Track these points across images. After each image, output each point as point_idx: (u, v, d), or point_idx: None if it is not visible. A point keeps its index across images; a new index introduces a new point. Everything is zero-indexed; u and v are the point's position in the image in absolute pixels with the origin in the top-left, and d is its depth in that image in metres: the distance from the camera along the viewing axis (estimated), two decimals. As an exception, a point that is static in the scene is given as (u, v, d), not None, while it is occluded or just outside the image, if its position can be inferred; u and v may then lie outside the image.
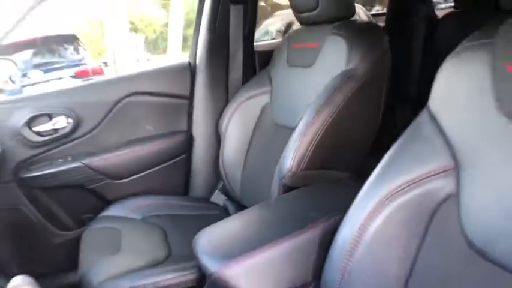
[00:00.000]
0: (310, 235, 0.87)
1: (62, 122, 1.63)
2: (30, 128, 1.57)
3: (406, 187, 0.73)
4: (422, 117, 0.77)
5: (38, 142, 1.59)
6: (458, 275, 0.67)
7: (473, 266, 0.64)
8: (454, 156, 0.69)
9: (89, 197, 1.68)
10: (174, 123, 1.78)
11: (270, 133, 1.48)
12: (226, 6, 1.73)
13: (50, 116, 1.61)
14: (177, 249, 1.26)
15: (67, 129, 1.63)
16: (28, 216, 1.60)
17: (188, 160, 1.78)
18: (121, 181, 1.70)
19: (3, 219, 1.56)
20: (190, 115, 1.79)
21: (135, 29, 11.02)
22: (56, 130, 1.62)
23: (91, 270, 1.20)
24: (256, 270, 0.84)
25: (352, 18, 1.41)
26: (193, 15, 1.87)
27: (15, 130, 1.53)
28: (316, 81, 1.29)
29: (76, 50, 6.89)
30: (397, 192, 0.73)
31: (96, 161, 1.65)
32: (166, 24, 11.44)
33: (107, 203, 1.65)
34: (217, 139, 1.69)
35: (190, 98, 1.77)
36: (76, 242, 1.44)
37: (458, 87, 0.71)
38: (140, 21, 11.90)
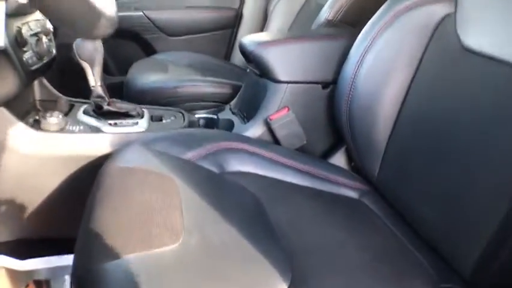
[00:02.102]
0: (337, 42, 1.06)
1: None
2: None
3: (411, 7, 0.88)
4: None
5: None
6: (453, 71, 0.79)
7: (466, 62, 0.76)
8: None
9: (138, 46, 1.90)
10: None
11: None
12: None
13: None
14: None
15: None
16: None
17: (234, 34, 1.98)
18: (173, 37, 1.91)
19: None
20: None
21: None
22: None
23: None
24: (288, 55, 1.04)
25: None
26: None
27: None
28: None
29: None
30: (403, 10, 0.89)
31: (155, 14, 1.86)
32: None
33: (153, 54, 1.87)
34: (264, 18, 1.87)
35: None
36: (117, 87, 1.54)
37: None
38: None
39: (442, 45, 0.83)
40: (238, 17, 1.98)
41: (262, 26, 1.90)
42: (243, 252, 0.60)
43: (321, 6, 1.36)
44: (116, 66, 1.91)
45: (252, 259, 0.59)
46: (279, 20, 1.79)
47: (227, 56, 1.99)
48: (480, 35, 0.74)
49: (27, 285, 1.03)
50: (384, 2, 0.95)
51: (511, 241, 0.58)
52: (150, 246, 0.56)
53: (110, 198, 0.67)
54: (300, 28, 1.58)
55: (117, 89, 1.50)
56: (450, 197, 0.70)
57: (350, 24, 1.26)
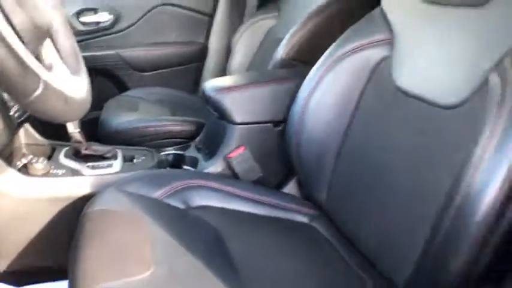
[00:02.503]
0: (287, 85, 1.21)
1: (104, 17, 1.99)
2: (77, 18, 1.92)
3: (351, 51, 1.03)
4: (375, 11, 1.09)
5: (82, 31, 1.95)
6: (387, 112, 0.93)
7: (399, 103, 0.90)
8: (390, 31, 1.00)
9: (112, 83, 2.04)
10: (193, 35, 2.13)
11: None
12: None
13: (95, 11, 1.97)
14: None
15: (107, 23, 2.00)
16: None
17: (201, 67, 2.13)
18: (143, 73, 2.05)
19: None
20: (208, 30, 2.13)
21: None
22: (98, 23, 1.98)
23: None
24: (243, 100, 1.20)
25: None
26: None
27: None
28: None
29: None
30: (344, 54, 1.05)
31: (127, 52, 2.00)
32: None
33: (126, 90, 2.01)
34: (228, 51, 2.02)
35: (211, 15, 2.12)
36: (92, 123, 1.66)
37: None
38: None
39: (379, 86, 0.97)
40: (204, 51, 2.13)
41: (226, 58, 2.05)
42: (204, 282, 0.74)
43: (278, 41, 1.51)
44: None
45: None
46: (241, 54, 1.94)
47: (195, 88, 2.13)
48: (411, 76, 0.89)
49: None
50: (334, 40, 1.09)
51: (431, 256, 0.72)
52: (124, 275, 0.70)
53: (90, 238, 0.80)
54: (258, 66, 1.73)
55: (93, 124, 1.65)
56: (384, 220, 0.85)
57: (302, 61, 1.41)
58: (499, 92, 0.66)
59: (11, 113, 1.07)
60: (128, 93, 1.90)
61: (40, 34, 0.79)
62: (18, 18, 0.68)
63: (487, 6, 0.76)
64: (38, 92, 0.63)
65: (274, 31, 1.81)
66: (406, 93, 0.87)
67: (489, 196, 0.60)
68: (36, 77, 0.63)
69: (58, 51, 0.86)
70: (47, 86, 0.65)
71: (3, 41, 0.59)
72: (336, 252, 0.94)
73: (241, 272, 0.80)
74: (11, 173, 1.04)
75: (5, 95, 1.06)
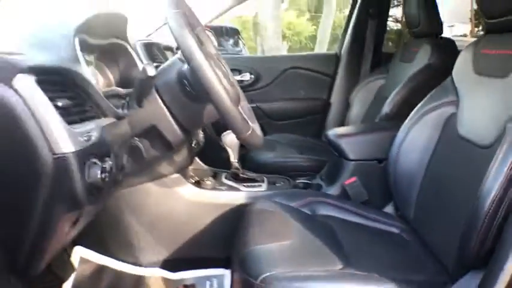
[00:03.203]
0: (387, 133, 1.65)
1: (247, 77, 2.60)
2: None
3: (431, 109, 1.43)
4: (447, 80, 1.45)
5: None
6: (453, 151, 1.32)
7: (459, 145, 1.29)
8: (457, 95, 1.38)
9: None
10: (318, 92, 2.66)
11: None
12: (366, 21, 2.60)
13: (239, 72, 2.60)
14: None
15: (249, 82, 2.60)
16: None
17: (324, 117, 2.64)
18: (277, 122, 2.61)
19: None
20: (331, 88, 2.64)
21: (282, 36, 11.39)
22: (242, 81, 2.59)
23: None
24: (356, 143, 1.67)
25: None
26: (339, 32, 2.69)
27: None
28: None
29: (236, 43, 7.76)
30: (426, 111, 1.43)
31: (265, 105, 2.58)
32: (311, 37, 12.12)
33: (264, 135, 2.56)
34: (347, 106, 2.50)
35: (333, 76, 2.64)
36: (242, 158, 1.97)
37: (462, 63, 1.41)
38: (288, 29, 12.35)
39: (448, 134, 1.36)
40: (326, 105, 2.63)
41: (345, 111, 2.53)
42: (323, 251, 1.18)
43: (385, 98, 1.98)
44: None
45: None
46: (357, 108, 2.41)
47: (318, 134, 2.63)
48: (467, 127, 1.26)
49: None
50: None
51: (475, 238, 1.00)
52: (275, 241, 1.17)
53: (253, 224, 1.30)
54: (370, 118, 2.20)
55: (243, 158, 2.11)
56: (451, 224, 1.19)
57: (401, 115, 1.77)
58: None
59: (193, 144, 1.64)
60: (267, 137, 2.45)
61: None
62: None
63: (508, 79, 1.13)
64: (250, 132, 1.15)
65: (383, 89, 2.26)
66: (462, 138, 1.27)
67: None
68: (248, 124, 1.16)
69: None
70: (252, 129, 1.17)
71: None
72: (415, 253, 1.32)
73: (346, 251, 1.19)
74: (189, 185, 1.61)
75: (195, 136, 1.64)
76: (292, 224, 1.30)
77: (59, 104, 0.86)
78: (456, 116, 1.33)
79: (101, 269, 1.55)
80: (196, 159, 1.78)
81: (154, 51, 1.65)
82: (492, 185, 0.96)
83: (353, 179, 1.63)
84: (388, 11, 2.70)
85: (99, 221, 1.47)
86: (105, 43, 1.24)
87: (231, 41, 7.93)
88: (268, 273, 1.03)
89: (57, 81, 0.91)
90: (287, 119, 2.63)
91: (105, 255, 1.57)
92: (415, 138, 1.45)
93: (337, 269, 1.10)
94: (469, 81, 1.33)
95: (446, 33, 2.21)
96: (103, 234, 1.56)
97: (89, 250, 1.54)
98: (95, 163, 0.92)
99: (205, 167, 1.82)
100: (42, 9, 1.19)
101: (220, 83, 1.07)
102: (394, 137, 1.51)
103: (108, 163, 0.97)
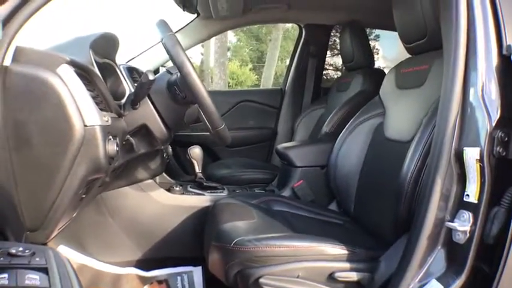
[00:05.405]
0: (326, 145, 1.98)
1: (203, 110, 2.89)
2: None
3: (363, 120, 1.78)
4: (376, 97, 1.84)
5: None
6: (380, 151, 1.69)
7: (386, 146, 1.63)
8: (383, 107, 1.74)
9: (209, 154, 2.87)
10: (266, 122, 3.00)
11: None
12: (306, 61, 3.00)
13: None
14: None
15: (206, 114, 2.89)
16: None
17: (272, 144, 2.96)
18: (230, 148, 2.90)
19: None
20: (277, 118, 2.99)
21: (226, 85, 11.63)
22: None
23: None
24: (301, 153, 1.99)
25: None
26: (281, 80, 3.05)
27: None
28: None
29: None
30: (359, 123, 1.78)
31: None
32: (254, 86, 12.55)
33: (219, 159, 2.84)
34: (291, 133, 2.84)
35: (279, 108, 2.99)
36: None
37: (387, 83, 1.79)
38: (231, 78, 12.96)
39: (377, 138, 1.69)
40: (273, 134, 2.97)
41: (290, 138, 2.86)
42: (278, 226, 1.45)
43: (323, 123, 2.31)
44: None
45: None
46: (301, 134, 2.74)
47: (267, 159, 2.94)
48: (391, 130, 1.60)
49: (152, 283, 1.82)
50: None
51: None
52: (240, 220, 1.44)
53: (222, 212, 1.56)
54: (312, 138, 2.54)
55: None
56: (384, 205, 1.48)
57: (339, 133, 2.05)
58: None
59: (164, 156, 1.90)
60: (222, 161, 2.74)
61: None
62: None
63: (422, 87, 1.47)
64: (223, 126, 1.43)
65: (323, 116, 2.61)
66: (388, 140, 1.60)
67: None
68: (222, 120, 1.44)
69: None
70: (224, 126, 1.45)
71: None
72: (357, 234, 1.61)
73: (297, 229, 1.48)
74: (161, 190, 1.85)
75: (166, 149, 1.91)
76: (253, 210, 1.57)
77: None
78: (383, 124, 1.67)
79: (81, 268, 1.73)
80: (164, 174, 2.02)
81: (134, 74, 1.91)
82: (410, 164, 1.30)
83: (301, 181, 1.94)
84: (326, 50, 3.11)
85: (81, 223, 1.68)
86: (101, 61, 1.50)
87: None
88: (239, 238, 1.30)
89: (84, 76, 1.16)
90: (239, 146, 2.92)
91: (85, 254, 1.75)
92: (351, 146, 1.77)
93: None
94: (392, 94, 1.66)
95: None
96: (85, 235, 1.75)
97: (71, 249, 1.72)
98: (112, 140, 1.17)
99: (172, 180, 2.07)
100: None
101: (203, 86, 1.37)
102: (332, 147, 1.84)
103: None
